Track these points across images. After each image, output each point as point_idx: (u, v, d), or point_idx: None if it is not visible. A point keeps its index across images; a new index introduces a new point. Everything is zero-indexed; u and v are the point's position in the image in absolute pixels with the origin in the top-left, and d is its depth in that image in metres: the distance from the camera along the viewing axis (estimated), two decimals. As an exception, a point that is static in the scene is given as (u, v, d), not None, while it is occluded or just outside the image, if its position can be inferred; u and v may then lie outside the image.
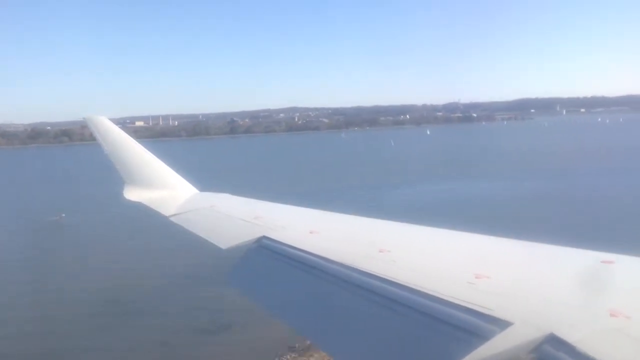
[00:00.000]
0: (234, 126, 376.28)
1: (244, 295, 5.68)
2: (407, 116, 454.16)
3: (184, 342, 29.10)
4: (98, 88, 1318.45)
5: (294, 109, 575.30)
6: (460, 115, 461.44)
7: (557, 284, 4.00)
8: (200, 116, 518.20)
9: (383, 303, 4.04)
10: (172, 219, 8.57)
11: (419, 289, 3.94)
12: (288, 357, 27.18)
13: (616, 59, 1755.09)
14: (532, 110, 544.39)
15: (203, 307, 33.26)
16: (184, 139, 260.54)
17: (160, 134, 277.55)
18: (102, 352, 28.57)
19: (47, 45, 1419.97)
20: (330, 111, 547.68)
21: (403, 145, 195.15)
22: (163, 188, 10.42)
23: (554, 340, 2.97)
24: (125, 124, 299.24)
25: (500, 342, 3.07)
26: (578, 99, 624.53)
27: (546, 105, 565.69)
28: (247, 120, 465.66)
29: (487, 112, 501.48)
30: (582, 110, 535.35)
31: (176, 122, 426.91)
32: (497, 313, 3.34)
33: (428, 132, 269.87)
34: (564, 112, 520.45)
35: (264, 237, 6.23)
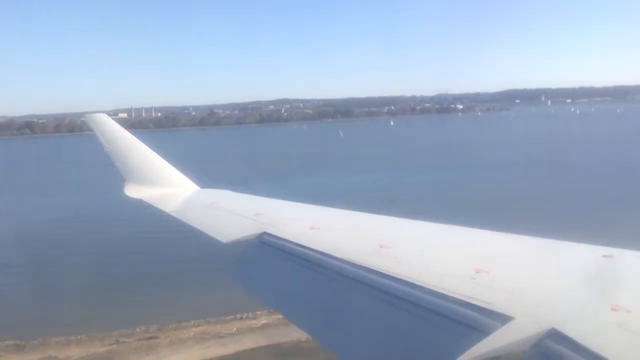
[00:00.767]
0: (204, 117, 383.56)
1: (246, 291, 5.81)
2: (392, 107, 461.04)
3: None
4: (82, 80, 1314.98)
5: (284, 101, 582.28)
6: (438, 106, 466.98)
7: (557, 279, 4.03)
8: (191, 108, 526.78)
9: (384, 298, 4.07)
10: (173, 215, 8.63)
11: (419, 284, 3.98)
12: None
13: (604, 50, 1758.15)
14: (517, 101, 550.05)
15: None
16: (152, 131, 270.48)
17: (129, 126, 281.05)
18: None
19: (26, 38, 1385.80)
20: (321, 103, 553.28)
21: (347, 137, 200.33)
22: (164, 185, 10.47)
23: (555, 335, 2.98)
24: (108, 115, 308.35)
25: (501, 337, 3.09)
26: (566, 89, 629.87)
27: (532, 96, 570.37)
28: (227, 112, 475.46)
29: (474, 103, 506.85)
30: (569, 100, 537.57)
31: (159, 114, 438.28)
32: (498, 308, 3.38)
33: (392, 124, 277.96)
34: (549, 103, 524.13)
35: (265, 233, 6.28)
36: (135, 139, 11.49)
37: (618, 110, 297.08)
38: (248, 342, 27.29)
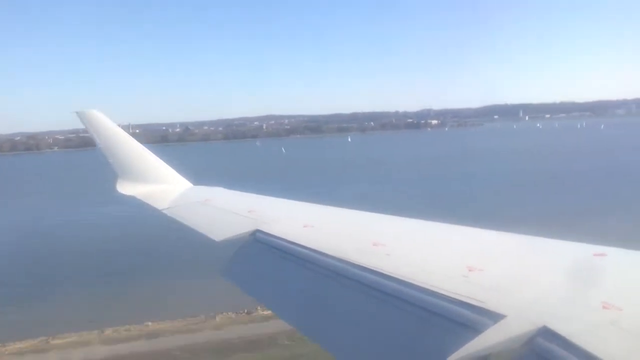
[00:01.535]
0: (165, 135, 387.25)
1: (239, 288, 5.70)
2: (372, 123, 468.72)
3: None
4: (60, 97, 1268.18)
5: (270, 117, 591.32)
6: (412, 121, 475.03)
7: (549, 277, 4.02)
8: (178, 125, 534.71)
9: (377, 296, 4.07)
10: (165, 212, 8.55)
11: (412, 282, 3.98)
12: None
13: (586, 65, 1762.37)
14: (495, 117, 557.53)
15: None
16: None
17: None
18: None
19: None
20: (306, 118, 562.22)
21: (286, 154, 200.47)
22: (157, 182, 10.36)
23: (546, 333, 2.98)
24: (80, 133, 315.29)
25: (493, 335, 3.09)
26: (547, 104, 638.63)
27: (511, 112, 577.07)
28: (205, 128, 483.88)
29: (457, 118, 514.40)
30: (547, 116, 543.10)
31: (137, 131, 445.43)
32: (490, 306, 3.38)
33: (349, 140, 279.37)
34: (527, 118, 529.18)
35: (258, 230, 6.29)
36: (129, 135, 11.54)
37: (601, 126, 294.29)
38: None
